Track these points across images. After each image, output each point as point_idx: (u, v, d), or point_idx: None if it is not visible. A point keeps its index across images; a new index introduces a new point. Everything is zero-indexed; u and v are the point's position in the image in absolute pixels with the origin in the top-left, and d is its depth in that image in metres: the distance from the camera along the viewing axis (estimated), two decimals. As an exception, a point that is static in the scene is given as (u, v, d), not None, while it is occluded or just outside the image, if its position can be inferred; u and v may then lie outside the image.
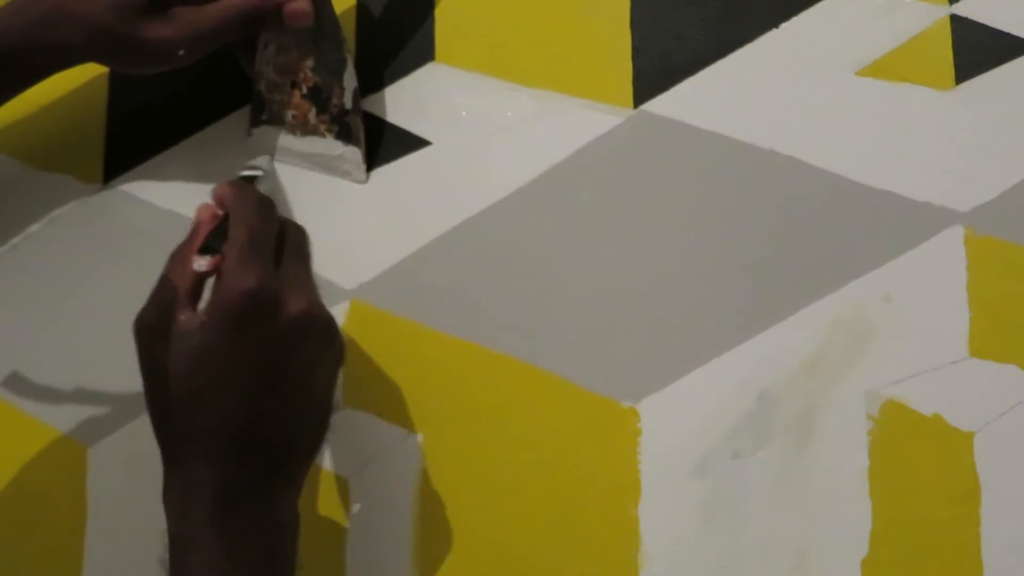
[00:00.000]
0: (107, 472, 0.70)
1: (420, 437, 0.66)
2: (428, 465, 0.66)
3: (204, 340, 0.54)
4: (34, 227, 0.74)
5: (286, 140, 0.71)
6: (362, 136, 0.70)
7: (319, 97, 0.70)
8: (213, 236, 0.57)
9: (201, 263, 0.56)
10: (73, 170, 0.75)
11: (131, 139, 0.74)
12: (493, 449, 0.65)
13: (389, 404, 0.67)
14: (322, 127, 0.70)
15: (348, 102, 0.69)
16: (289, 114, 0.70)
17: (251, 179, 0.65)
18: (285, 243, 0.58)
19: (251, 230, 0.56)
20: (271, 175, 0.69)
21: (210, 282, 0.57)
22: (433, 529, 0.65)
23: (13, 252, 0.74)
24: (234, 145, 0.72)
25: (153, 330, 0.56)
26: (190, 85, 0.73)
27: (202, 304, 0.57)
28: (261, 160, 0.68)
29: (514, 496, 0.65)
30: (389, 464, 0.66)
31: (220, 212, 0.59)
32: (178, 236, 0.72)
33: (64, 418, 0.71)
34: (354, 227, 0.70)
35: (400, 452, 0.66)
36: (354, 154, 0.70)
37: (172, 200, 0.73)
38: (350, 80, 0.69)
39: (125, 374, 0.70)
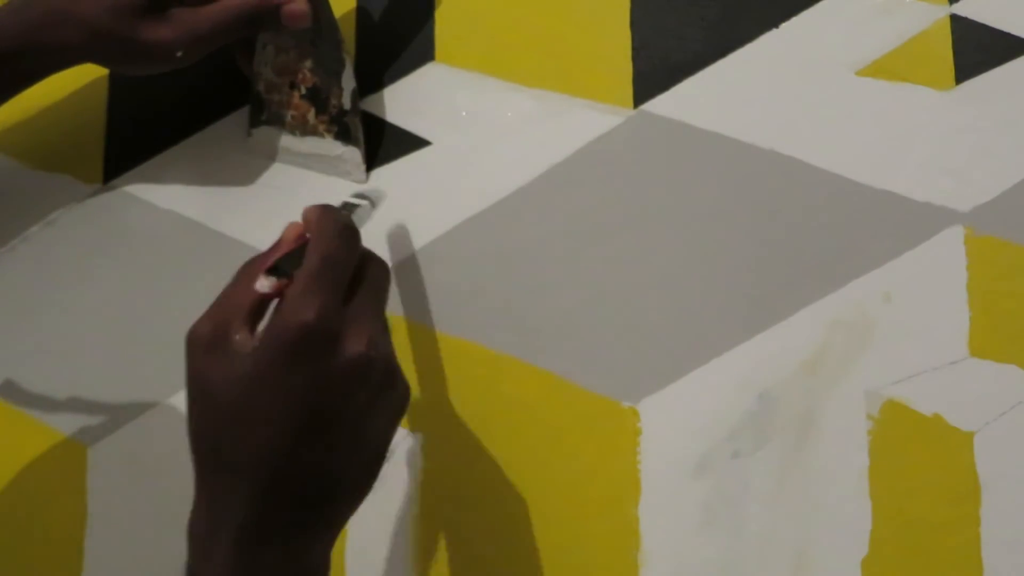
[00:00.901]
0: (107, 472, 0.70)
1: (420, 437, 0.67)
2: (428, 465, 0.66)
3: (254, 367, 0.51)
4: (34, 227, 0.74)
5: (286, 140, 0.71)
6: (361, 136, 0.70)
7: (318, 98, 0.70)
8: (288, 258, 0.53)
9: (264, 284, 0.52)
10: (73, 170, 0.75)
11: (131, 139, 0.74)
12: (493, 449, 0.65)
13: (389, 404, 0.67)
14: (321, 127, 0.70)
15: (347, 102, 0.69)
16: (288, 114, 0.70)
17: (353, 206, 0.61)
18: (364, 279, 0.54)
19: (325, 258, 0.53)
20: (375, 208, 0.64)
21: (274, 304, 0.53)
22: (433, 529, 0.65)
23: (13, 252, 0.74)
24: (234, 145, 0.72)
25: (205, 345, 0.52)
26: (190, 85, 0.73)
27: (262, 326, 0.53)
28: (373, 191, 0.64)
29: (514, 496, 0.65)
30: (389, 464, 0.66)
31: (308, 234, 0.55)
32: (177, 236, 0.72)
33: (64, 418, 0.71)
34: (354, 227, 0.70)
35: (400, 452, 0.66)
36: (353, 154, 0.70)
37: (172, 200, 0.73)
38: (348, 81, 0.69)
39: (125, 374, 0.71)
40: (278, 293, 0.52)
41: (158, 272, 0.72)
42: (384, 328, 0.55)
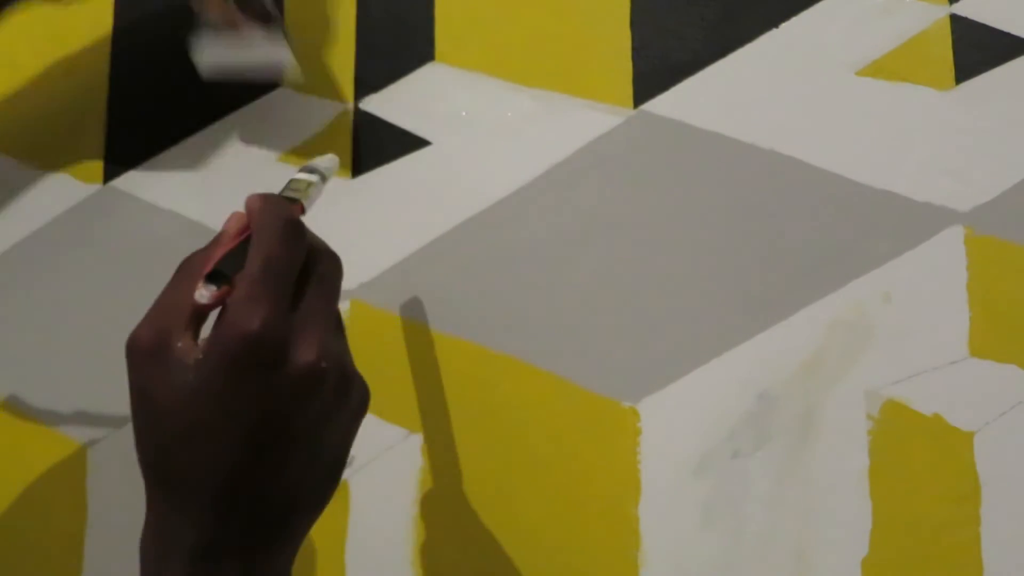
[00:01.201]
0: (107, 472, 0.70)
1: (420, 437, 0.66)
2: (428, 465, 0.66)
3: (197, 380, 0.48)
4: (34, 227, 0.74)
5: (222, 53, 0.69)
6: (290, 38, 0.69)
7: (244, 3, 0.69)
8: (229, 258, 0.50)
9: (203, 294, 0.48)
10: (73, 170, 0.75)
11: (131, 139, 0.74)
12: (493, 449, 0.65)
13: (389, 404, 0.67)
14: (250, 31, 0.69)
15: (270, 5, 0.68)
16: (216, 19, 0.69)
17: (304, 184, 0.57)
18: (312, 275, 0.51)
19: (268, 261, 0.49)
20: (326, 181, 0.60)
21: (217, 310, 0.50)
22: (433, 529, 0.65)
23: (13, 252, 0.74)
24: (234, 145, 0.72)
25: (146, 353, 0.49)
26: (190, 85, 0.73)
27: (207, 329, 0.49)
28: (324, 162, 0.60)
29: (514, 496, 0.65)
30: (389, 464, 0.66)
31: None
32: (177, 237, 0.72)
33: (64, 418, 0.71)
34: (354, 227, 0.70)
35: (400, 452, 0.66)
36: (285, 54, 0.69)
37: (172, 200, 0.73)
38: None
39: (125, 374, 0.70)
40: (220, 302, 0.48)
41: (158, 272, 0.72)
42: (336, 329, 0.52)
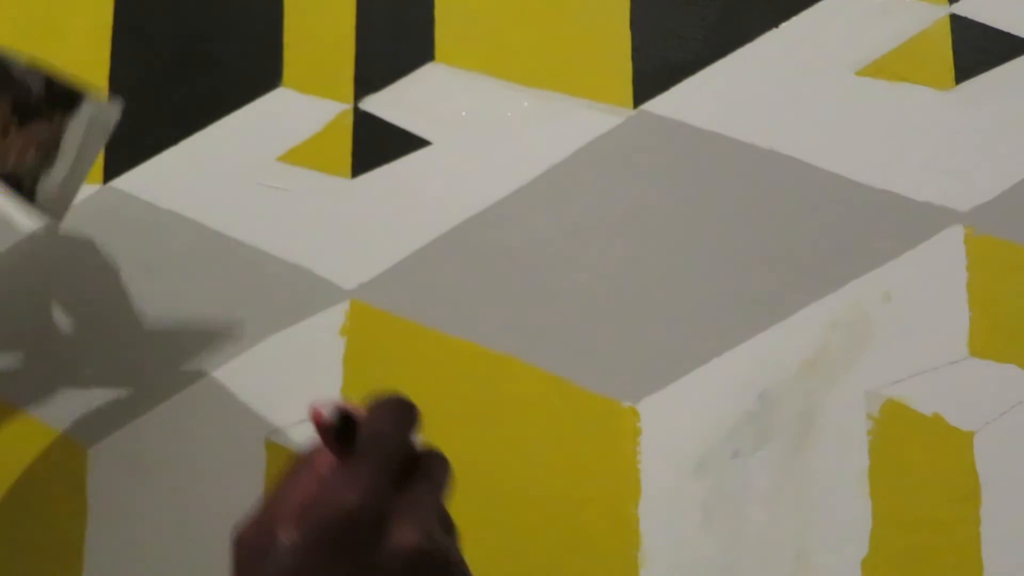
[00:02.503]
0: (107, 472, 0.70)
1: (420, 437, 0.66)
2: (428, 465, 0.66)
3: (294, 561, 0.46)
4: (34, 227, 0.74)
5: (56, 175, 0.66)
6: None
7: (28, 111, 0.65)
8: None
9: (329, 410, 0.47)
10: (73, 170, 0.74)
11: (131, 139, 0.74)
12: (493, 449, 0.65)
13: (389, 404, 0.67)
14: (57, 121, 0.66)
15: (39, 89, 0.66)
16: (31, 153, 0.66)
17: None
18: (419, 467, 0.50)
19: (374, 437, 0.48)
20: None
21: None
22: (433, 529, 0.65)
23: (13, 252, 0.74)
24: (234, 145, 0.72)
25: (251, 549, 0.48)
26: (190, 85, 0.73)
27: None
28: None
29: (514, 496, 0.65)
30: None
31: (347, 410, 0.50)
32: (177, 236, 0.72)
33: (64, 418, 0.71)
34: (354, 227, 0.70)
35: (400, 452, 0.66)
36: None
37: (172, 200, 0.73)
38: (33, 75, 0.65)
39: (125, 374, 0.71)
40: (342, 418, 0.48)
41: (158, 272, 0.72)
42: (444, 525, 0.50)
